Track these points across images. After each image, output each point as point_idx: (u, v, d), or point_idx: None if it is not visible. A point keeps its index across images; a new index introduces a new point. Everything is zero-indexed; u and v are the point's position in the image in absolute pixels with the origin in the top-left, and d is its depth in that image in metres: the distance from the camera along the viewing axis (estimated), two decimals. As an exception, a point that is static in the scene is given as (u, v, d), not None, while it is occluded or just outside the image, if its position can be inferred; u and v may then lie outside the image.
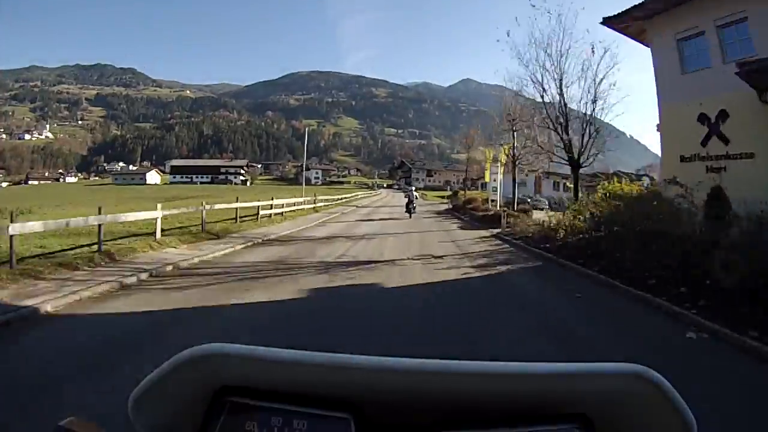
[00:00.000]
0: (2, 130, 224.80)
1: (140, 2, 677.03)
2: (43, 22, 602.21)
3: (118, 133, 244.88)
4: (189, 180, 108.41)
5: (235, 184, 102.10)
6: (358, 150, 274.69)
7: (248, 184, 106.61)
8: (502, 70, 48.84)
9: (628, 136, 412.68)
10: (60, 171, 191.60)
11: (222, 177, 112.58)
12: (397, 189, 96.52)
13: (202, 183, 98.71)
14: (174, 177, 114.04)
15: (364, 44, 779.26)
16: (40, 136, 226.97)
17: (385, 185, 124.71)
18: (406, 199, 25.65)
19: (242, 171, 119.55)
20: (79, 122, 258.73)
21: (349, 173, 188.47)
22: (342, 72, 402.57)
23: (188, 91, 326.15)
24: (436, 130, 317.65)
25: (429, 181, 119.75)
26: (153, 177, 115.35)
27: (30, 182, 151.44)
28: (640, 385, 0.66)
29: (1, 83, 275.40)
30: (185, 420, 0.72)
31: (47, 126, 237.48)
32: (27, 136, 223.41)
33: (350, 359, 0.65)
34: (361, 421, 0.68)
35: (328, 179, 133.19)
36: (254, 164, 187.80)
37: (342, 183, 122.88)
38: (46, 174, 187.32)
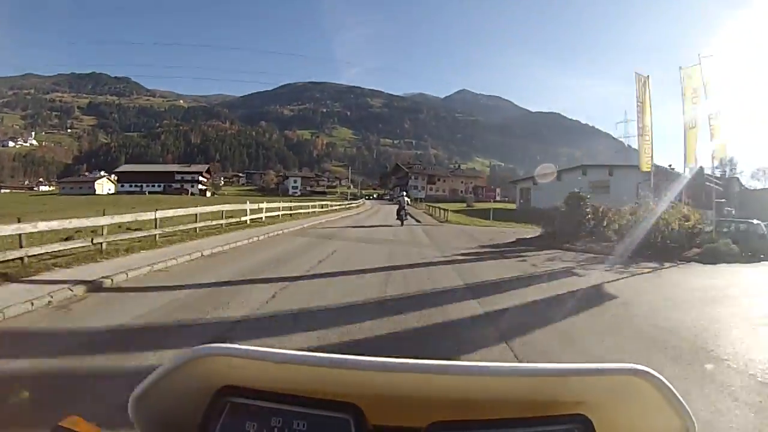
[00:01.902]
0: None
1: (137, 14, 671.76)
2: (41, 31, 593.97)
3: (106, 141, 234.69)
4: (139, 188, 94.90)
5: (192, 193, 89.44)
6: (352, 160, 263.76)
7: (208, 194, 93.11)
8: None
9: (627, 146, 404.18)
10: (40, 179, 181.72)
11: (176, 185, 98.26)
12: (389, 201, 75.92)
13: (151, 192, 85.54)
14: (122, 185, 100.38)
15: (360, 57, 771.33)
16: (25, 144, 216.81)
17: (374, 195, 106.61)
18: (397, 206, 25.33)
19: (201, 178, 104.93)
20: (68, 130, 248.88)
21: (340, 183, 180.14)
22: (337, 83, 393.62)
23: (181, 101, 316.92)
24: (433, 140, 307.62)
25: (431, 189, 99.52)
26: (106, 185, 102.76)
27: (2, 191, 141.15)
28: (639, 384, 0.64)
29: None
30: (186, 419, 0.71)
31: (33, 133, 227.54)
32: (11, 144, 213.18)
33: (349, 359, 0.64)
34: (361, 422, 0.66)
35: (309, 189, 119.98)
36: (240, 173, 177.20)
37: (325, 194, 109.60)
38: (27, 182, 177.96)
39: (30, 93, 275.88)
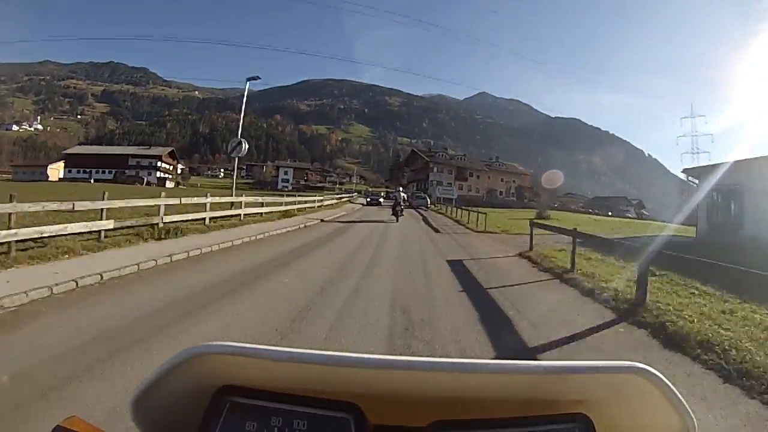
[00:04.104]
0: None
1: (158, 7, 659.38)
2: (62, 19, 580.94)
3: (113, 128, 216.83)
4: (87, 175, 74.30)
5: (149, 183, 67.57)
6: (367, 158, 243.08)
7: (168, 184, 70.18)
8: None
9: (647, 155, 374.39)
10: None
11: (131, 172, 76.37)
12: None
13: (99, 180, 64.33)
14: (69, 171, 79.52)
15: (380, 57, 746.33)
16: (30, 128, 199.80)
17: (382, 195, 79.02)
18: (392, 201, 24.36)
19: (162, 164, 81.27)
20: (78, 117, 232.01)
21: (350, 180, 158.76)
22: (357, 80, 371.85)
23: (197, 92, 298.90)
24: (452, 141, 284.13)
25: (460, 188, 69.64)
26: (62, 171, 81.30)
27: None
28: (638, 382, 0.62)
29: (10, 75, 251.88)
30: (186, 419, 0.68)
31: (39, 118, 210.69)
32: (15, 127, 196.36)
33: (349, 356, 0.60)
34: (361, 421, 0.64)
35: (303, 183, 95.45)
36: (245, 164, 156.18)
37: (322, 189, 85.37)
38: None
39: (45, 79, 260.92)
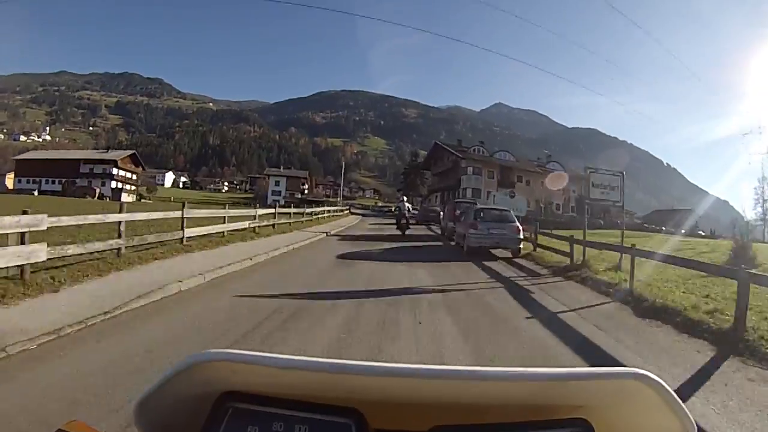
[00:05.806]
0: (5, 130, 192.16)
1: (176, 18, 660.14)
2: (79, 31, 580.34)
3: (122, 140, 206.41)
4: (37, 185, 60.70)
5: (102, 195, 52.75)
6: (383, 171, 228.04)
7: (125, 197, 52.75)
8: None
9: (665, 164, 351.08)
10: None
11: (84, 182, 61.12)
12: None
13: (43, 193, 52.50)
14: (19, 180, 65.77)
15: (395, 69, 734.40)
16: (38, 139, 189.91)
17: (393, 209, 55.45)
18: (397, 212, 21.03)
19: (119, 171, 64.86)
20: (90, 128, 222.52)
21: (363, 193, 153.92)
22: (372, 92, 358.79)
23: (211, 104, 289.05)
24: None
25: (504, 195, 49.20)
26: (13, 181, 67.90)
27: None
28: (638, 388, 0.60)
29: (25, 86, 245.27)
30: (188, 425, 0.68)
31: (47, 129, 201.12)
32: (23, 138, 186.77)
33: (350, 364, 0.59)
34: (362, 427, 0.63)
35: (299, 196, 77.73)
36: (247, 177, 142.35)
37: (321, 203, 66.38)
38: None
39: (60, 90, 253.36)
